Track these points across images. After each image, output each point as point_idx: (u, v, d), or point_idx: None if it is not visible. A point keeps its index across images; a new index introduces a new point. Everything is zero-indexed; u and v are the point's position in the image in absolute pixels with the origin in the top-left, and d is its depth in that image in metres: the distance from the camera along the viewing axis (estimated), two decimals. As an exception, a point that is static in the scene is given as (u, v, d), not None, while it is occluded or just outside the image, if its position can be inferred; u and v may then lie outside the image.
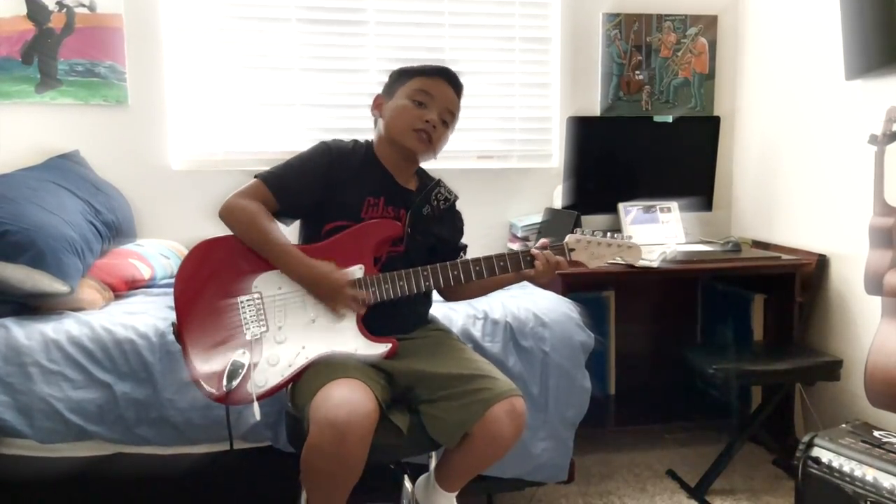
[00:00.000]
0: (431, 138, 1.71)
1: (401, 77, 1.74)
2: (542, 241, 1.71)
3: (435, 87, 1.71)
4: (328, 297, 1.61)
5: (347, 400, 1.44)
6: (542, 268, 1.66)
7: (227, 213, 1.63)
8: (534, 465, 2.10)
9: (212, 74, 2.77)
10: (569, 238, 1.70)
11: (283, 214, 1.69)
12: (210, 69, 2.77)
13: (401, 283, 1.64)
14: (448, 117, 1.74)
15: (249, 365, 1.57)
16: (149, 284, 2.41)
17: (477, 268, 1.66)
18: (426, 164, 1.83)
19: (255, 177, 1.67)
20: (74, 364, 1.89)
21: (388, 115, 1.73)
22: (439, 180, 1.83)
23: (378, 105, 1.78)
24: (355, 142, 1.78)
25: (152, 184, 2.72)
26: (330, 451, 1.41)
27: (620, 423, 2.66)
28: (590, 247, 1.69)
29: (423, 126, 1.69)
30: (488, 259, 1.67)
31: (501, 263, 1.66)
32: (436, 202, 1.79)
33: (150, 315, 2.05)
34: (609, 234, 1.71)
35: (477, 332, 2.09)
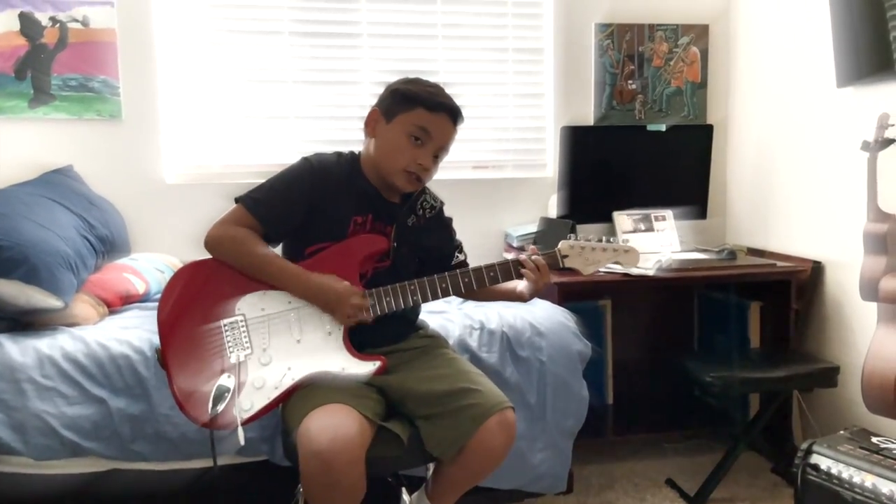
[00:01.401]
0: (421, 179, 1.67)
1: (404, 101, 1.64)
2: (531, 247, 1.69)
3: (436, 124, 1.64)
4: (334, 306, 1.59)
5: (328, 426, 1.42)
6: (533, 275, 1.64)
7: (215, 244, 1.60)
8: (532, 475, 2.09)
9: (205, 88, 2.77)
10: (562, 245, 1.68)
11: (267, 238, 1.65)
12: (203, 82, 2.77)
13: (388, 299, 1.62)
14: (441, 152, 1.69)
15: (235, 388, 1.54)
16: (143, 299, 2.40)
17: (466, 280, 1.64)
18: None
19: (236, 200, 1.63)
20: (69, 380, 1.88)
21: (381, 143, 1.66)
22: (424, 188, 1.78)
23: (372, 122, 1.68)
24: (339, 154, 1.72)
25: (146, 198, 2.72)
26: (320, 480, 1.41)
27: (619, 433, 2.65)
28: (584, 252, 1.67)
29: (414, 169, 1.64)
30: (477, 270, 1.65)
31: (491, 274, 1.65)
32: (421, 211, 1.77)
33: (144, 329, 2.03)
34: (604, 238, 1.69)
35: (474, 342, 2.08)
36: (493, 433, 1.52)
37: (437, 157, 1.68)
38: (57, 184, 2.47)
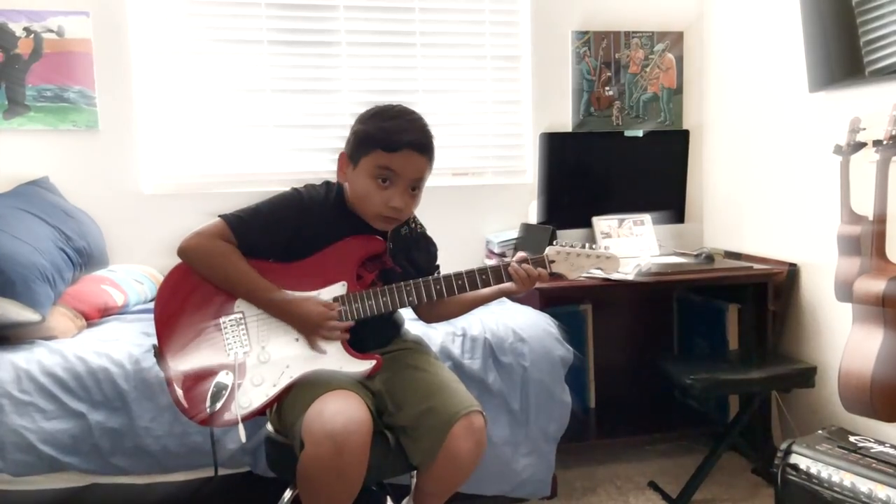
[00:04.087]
0: (398, 218, 1.65)
1: (363, 144, 1.58)
2: (520, 254, 1.70)
3: (400, 162, 1.56)
4: (309, 332, 1.59)
5: (343, 410, 1.43)
6: (521, 282, 1.65)
7: (193, 254, 1.57)
8: (516, 481, 2.10)
9: (182, 97, 2.76)
10: (549, 250, 1.70)
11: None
12: (180, 92, 2.75)
13: (384, 298, 1.62)
14: (417, 183, 1.62)
15: (233, 386, 1.54)
16: (122, 311, 2.38)
17: (459, 282, 1.64)
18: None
19: (220, 217, 1.60)
20: (47, 394, 1.86)
21: (352, 189, 1.63)
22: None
23: (342, 168, 1.64)
24: (327, 185, 1.69)
25: (124, 209, 2.69)
26: (329, 463, 1.40)
27: (601, 437, 2.66)
28: (569, 258, 1.69)
29: (388, 213, 1.60)
30: (470, 273, 1.65)
31: (483, 277, 1.65)
32: (413, 224, 1.78)
33: (124, 342, 2.02)
34: (587, 245, 1.72)
35: (456, 349, 2.09)
36: (459, 439, 1.51)
37: (414, 188, 1.63)
38: (32, 195, 2.44)
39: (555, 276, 1.71)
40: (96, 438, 1.86)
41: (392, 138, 1.56)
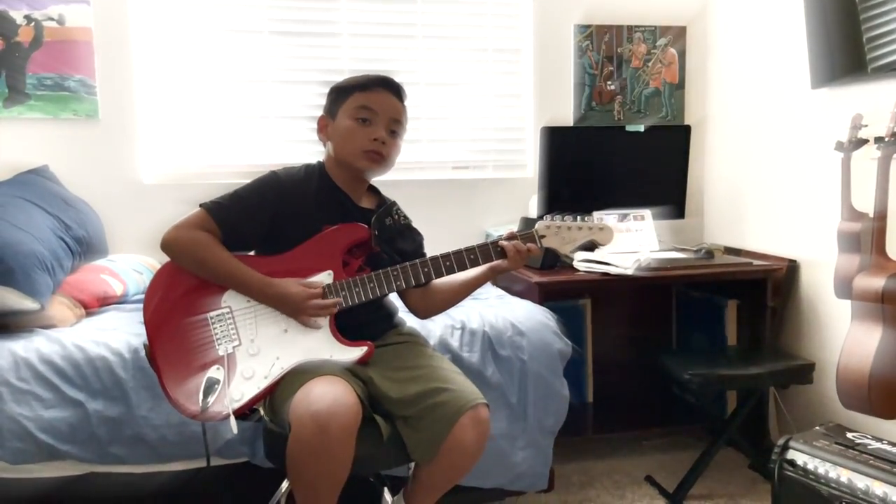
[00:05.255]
0: (383, 155, 1.67)
1: (340, 95, 1.70)
2: (510, 231, 1.69)
3: (376, 99, 1.67)
4: (295, 313, 1.60)
5: (329, 392, 1.44)
6: (512, 258, 1.64)
7: (172, 246, 1.59)
8: (514, 474, 2.10)
9: (183, 87, 2.75)
10: (538, 225, 1.67)
11: (225, 245, 1.63)
12: (181, 82, 2.75)
13: (371, 284, 1.63)
14: (396, 126, 1.70)
15: (224, 380, 1.55)
16: (121, 300, 2.38)
17: (447, 262, 1.64)
18: (388, 177, 1.80)
19: (200, 206, 1.63)
20: (45, 382, 1.86)
21: (334, 139, 1.69)
22: (394, 202, 1.82)
23: (323, 128, 1.74)
24: (307, 167, 1.73)
25: (123, 198, 2.69)
26: (313, 443, 1.39)
27: (599, 431, 2.67)
28: (560, 232, 1.66)
29: (372, 146, 1.65)
30: (458, 253, 1.64)
31: (471, 256, 1.64)
32: (396, 216, 1.78)
33: (122, 331, 2.02)
34: (579, 217, 1.68)
35: (455, 342, 2.09)
36: (466, 431, 1.52)
37: (394, 132, 1.69)
38: (32, 184, 2.44)
39: (548, 250, 1.70)
40: (94, 427, 1.86)
41: (366, 80, 1.69)
